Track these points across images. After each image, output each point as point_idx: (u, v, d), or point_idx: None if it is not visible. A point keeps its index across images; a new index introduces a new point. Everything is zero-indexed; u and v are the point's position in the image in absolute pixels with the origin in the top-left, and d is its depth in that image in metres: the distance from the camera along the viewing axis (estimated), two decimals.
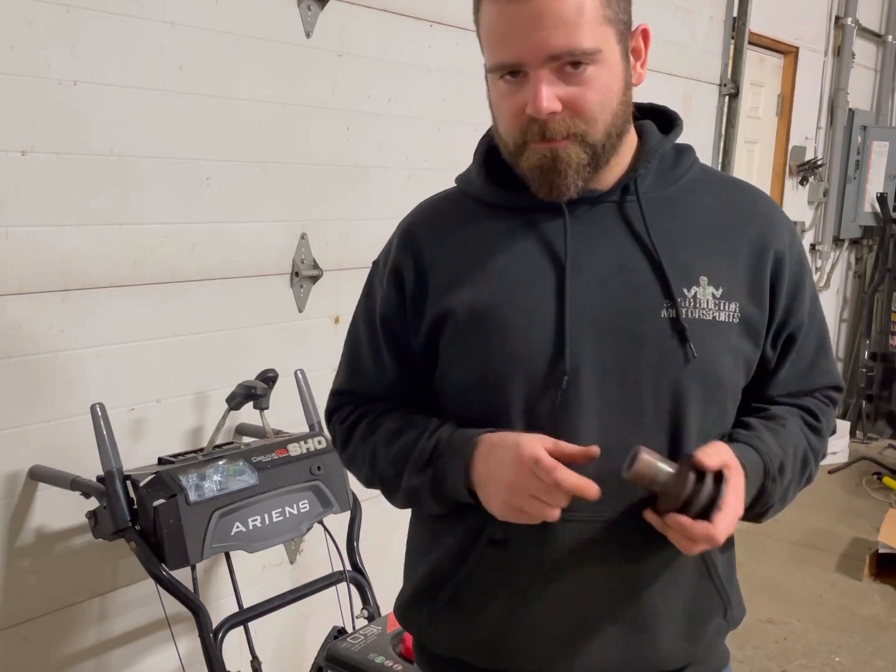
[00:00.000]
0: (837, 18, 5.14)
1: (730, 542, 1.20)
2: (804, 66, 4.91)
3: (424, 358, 1.20)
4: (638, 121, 1.18)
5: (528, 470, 1.03)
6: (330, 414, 1.35)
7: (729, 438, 1.15)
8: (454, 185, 1.26)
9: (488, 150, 1.20)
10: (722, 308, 1.12)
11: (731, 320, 1.12)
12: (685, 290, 1.11)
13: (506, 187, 1.17)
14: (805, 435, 1.21)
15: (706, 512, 1.02)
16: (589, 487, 1.02)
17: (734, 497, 1.05)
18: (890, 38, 5.74)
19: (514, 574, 1.14)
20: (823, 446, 1.25)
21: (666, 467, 1.04)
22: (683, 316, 1.10)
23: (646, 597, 1.14)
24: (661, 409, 1.11)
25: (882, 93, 5.84)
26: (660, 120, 1.21)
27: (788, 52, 4.86)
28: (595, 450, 1.05)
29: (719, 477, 1.04)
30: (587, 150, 1.07)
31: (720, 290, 1.12)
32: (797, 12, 4.81)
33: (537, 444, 1.05)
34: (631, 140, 1.15)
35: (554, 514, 1.04)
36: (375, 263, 1.27)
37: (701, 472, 1.04)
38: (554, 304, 1.10)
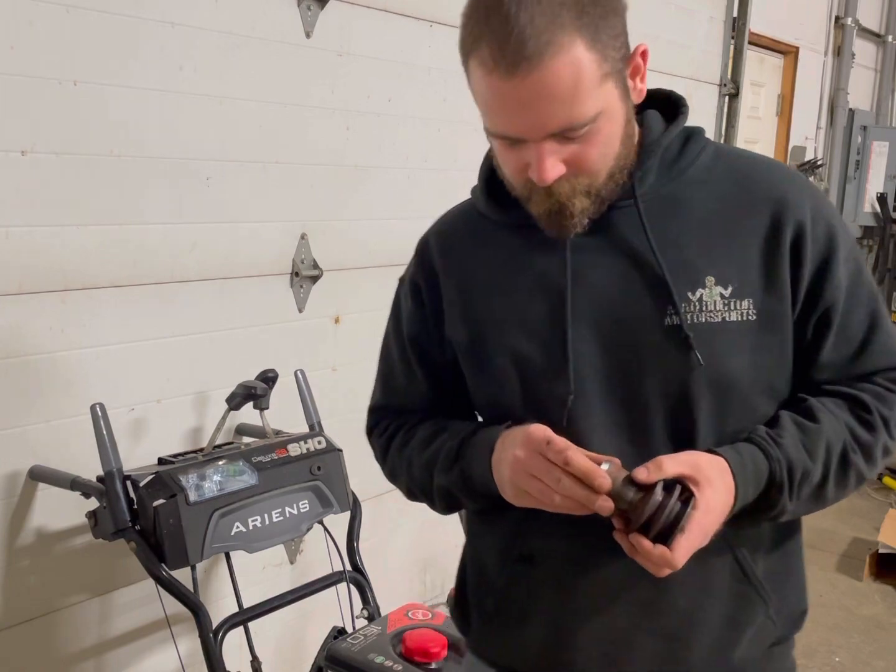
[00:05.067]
0: (837, 18, 5.14)
1: (780, 535, 1.14)
2: (804, 66, 4.92)
3: (454, 370, 1.21)
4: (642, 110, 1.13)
5: (533, 448, 1.03)
6: (370, 431, 1.35)
7: (746, 438, 1.07)
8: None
9: (490, 169, 1.20)
10: (733, 308, 1.07)
11: (744, 319, 1.07)
12: (689, 294, 1.07)
13: (507, 205, 1.16)
14: (850, 429, 1.09)
15: (669, 532, 0.97)
16: (597, 473, 0.98)
17: (703, 515, 0.99)
18: (890, 38, 5.74)
19: (544, 589, 1.14)
20: (880, 438, 1.10)
21: (631, 485, 0.99)
22: (688, 322, 1.06)
23: (677, 604, 1.10)
24: (671, 420, 1.08)
25: (882, 93, 5.84)
26: (666, 106, 1.15)
27: (788, 52, 4.86)
28: (606, 483, 1.00)
29: (689, 494, 0.98)
30: (592, 197, 1.06)
31: (729, 289, 1.07)
32: (797, 12, 4.81)
33: (549, 429, 1.04)
34: (633, 137, 1.10)
35: (556, 501, 1.01)
36: (401, 280, 1.29)
37: (670, 488, 0.98)
38: (557, 322, 1.09)
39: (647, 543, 0.98)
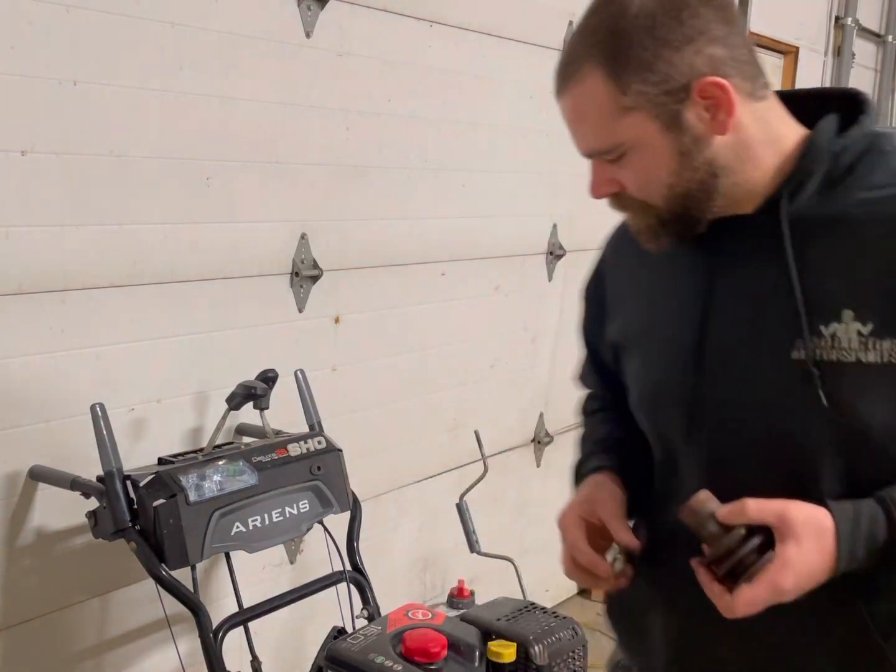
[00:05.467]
0: (837, 18, 5.14)
1: None
2: (804, 66, 4.91)
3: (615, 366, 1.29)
4: (823, 114, 1.08)
5: (575, 512, 1.17)
6: (580, 405, 1.48)
7: (875, 495, 0.99)
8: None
9: None
10: (871, 347, 0.98)
11: (883, 360, 0.98)
12: (822, 328, 1.00)
13: None
14: None
15: (738, 574, 0.94)
16: (598, 568, 1.10)
17: (777, 572, 0.94)
18: (890, 38, 5.73)
19: (649, 636, 1.19)
20: None
21: (716, 518, 0.97)
22: (818, 357, 1.00)
23: (785, 655, 1.06)
24: (780, 460, 1.04)
25: (882, 93, 5.83)
26: (851, 108, 1.08)
27: (788, 52, 4.85)
28: (635, 544, 1.10)
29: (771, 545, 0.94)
30: (655, 217, 1.08)
31: (868, 326, 0.98)
32: (797, 12, 4.81)
33: (573, 511, 1.17)
34: (778, 149, 1.06)
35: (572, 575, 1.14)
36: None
37: (753, 533, 0.95)
38: (691, 341, 1.10)
39: (708, 579, 0.98)
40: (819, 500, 0.99)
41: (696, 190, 1.05)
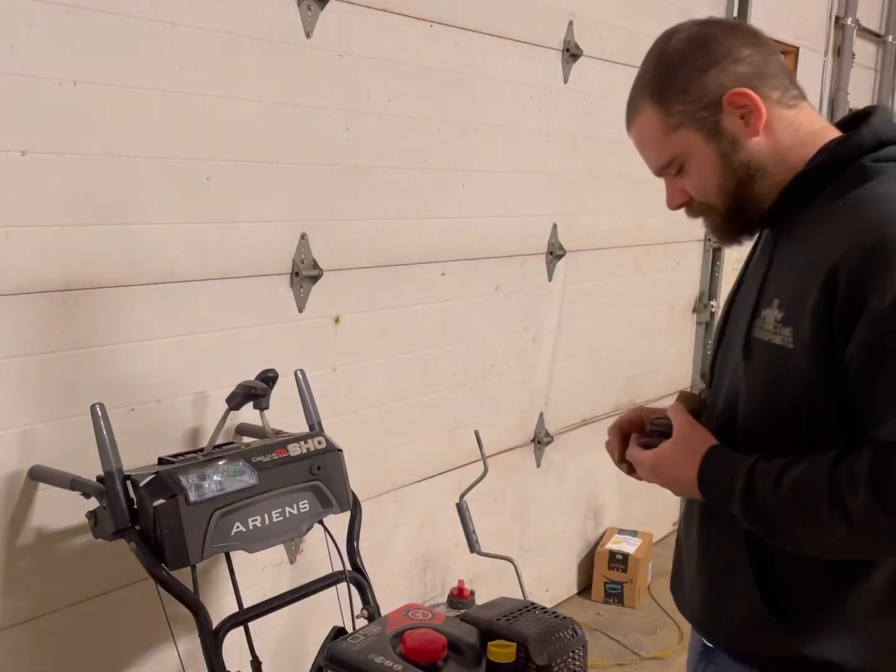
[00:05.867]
0: (837, 18, 5.14)
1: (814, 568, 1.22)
2: (804, 66, 4.91)
3: None
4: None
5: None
6: None
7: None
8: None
9: None
10: (778, 332, 1.20)
11: (785, 344, 1.19)
12: (762, 310, 1.25)
13: None
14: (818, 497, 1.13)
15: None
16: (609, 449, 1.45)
17: (655, 452, 1.31)
18: (890, 38, 5.73)
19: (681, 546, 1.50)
20: (837, 516, 1.11)
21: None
22: (753, 334, 1.25)
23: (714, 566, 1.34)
24: (727, 400, 1.31)
25: (882, 93, 5.83)
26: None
27: (788, 52, 4.85)
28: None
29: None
30: (718, 216, 1.31)
31: (781, 314, 1.20)
32: (797, 12, 4.81)
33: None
34: (805, 153, 1.25)
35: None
36: None
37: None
38: (725, 313, 1.41)
39: (635, 446, 1.37)
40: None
41: (741, 189, 1.26)
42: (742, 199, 1.27)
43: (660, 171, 1.32)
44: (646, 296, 3.90)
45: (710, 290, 4.31)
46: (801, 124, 1.27)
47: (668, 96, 1.27)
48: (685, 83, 1.26)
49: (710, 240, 4.19)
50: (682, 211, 1.36)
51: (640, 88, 1.31)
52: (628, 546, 3.70)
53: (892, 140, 1.22)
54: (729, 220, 1.30)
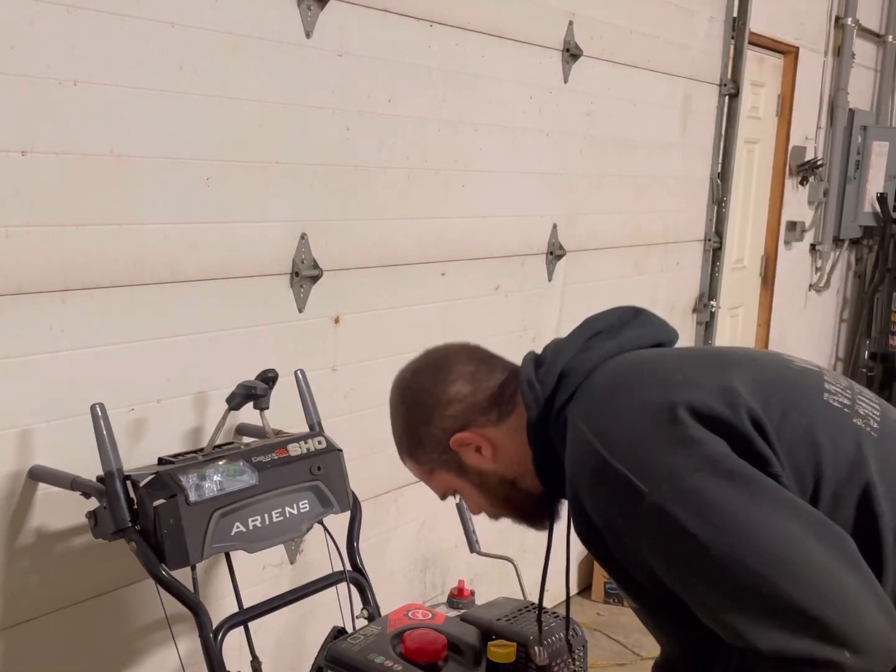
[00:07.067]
0: (837, 18, 5.14)
1: None
2: (804, 66, 4.91)
3: None
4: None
5: None
6: None
7: None
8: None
9: None
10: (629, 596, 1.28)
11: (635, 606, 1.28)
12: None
13: None
14: None
15: None
16: None
17: None
18: (890, 38, 5.74)
19: None
20: None
21: None
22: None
23: None
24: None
25: (882, 93, 5.84)
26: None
27: (788, 52, 4.85)
28: None
29: None
30: (514, 518, 1.46)
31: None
32: (797, 12, 4.81)
33: None
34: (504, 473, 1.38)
35: None
36: None
37: None
38: None
39: None
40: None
41: (512, 495, 1.37)
42: (519, 499, 1.37)
43: (444, 498, 1.48)
44: (646, 296, 3.90)
45: (710, 290, 4.31)
46: (522, 423, 1.32)
47: (415, 451, 1.41)
48: (420, 437, 1.39)
49: (709, 240, 4.19)
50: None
51: (397, 442, 1.45)
52: None
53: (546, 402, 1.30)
54: (525, 517, 1.41)
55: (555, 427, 1.27)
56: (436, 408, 1.36)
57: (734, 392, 1.11)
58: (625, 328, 1.33)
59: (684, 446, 1.06)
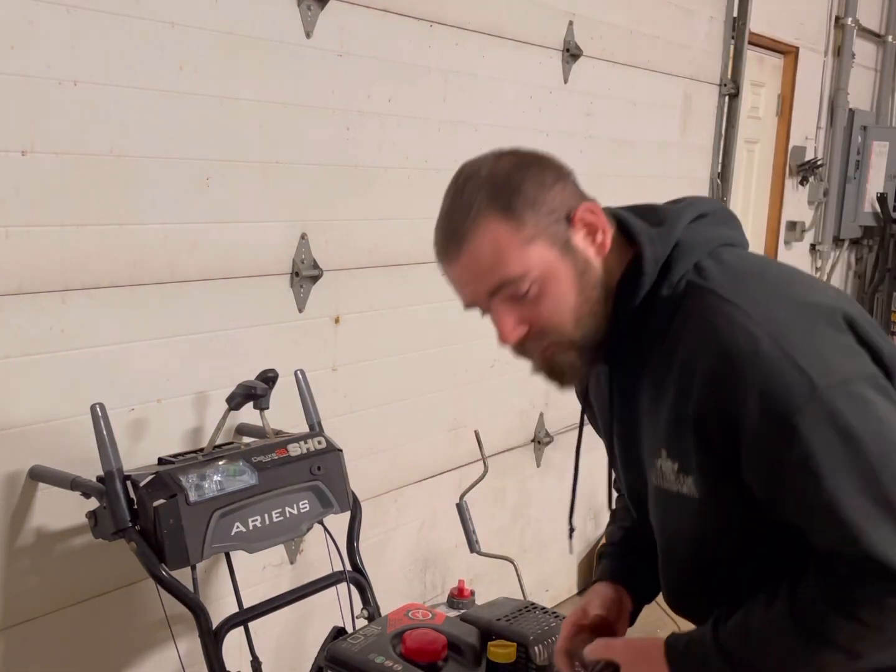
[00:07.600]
0: (837, 18, 5.14)
1: None
2: (804, 66, 4.91)
3: None
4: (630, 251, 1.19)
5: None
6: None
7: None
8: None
9: None
10: (682, 482, 1.15)
11: (690, 494, 1.14)
12: (655, 461, 1.18)
13: None
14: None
15: None
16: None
17: None
18: (890, 38, 5.74)
19: None
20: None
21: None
22: (657, 485, 1.20)
23: None
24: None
25: (882, 93, 5.84)
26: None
27: (788, 52, 4.86)
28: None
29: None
30: (573, 350, 1.16)
31: (675, 464, 1.15)
32: (797, 12, 4.81)
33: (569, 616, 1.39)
34: (598, 286, 1.17)
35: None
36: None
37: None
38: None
39: None
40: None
41: (595, 312, 1.16)
42: (596, 324, 1.16)
43: (491, 294, 1.15)
44: None
45: None
46: (618, 258, 1.18)
47: (516, 207, 1.12)
48: (534, 195, 1.13)
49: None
50: None
51: (468, 214, 1.13)
52: None
53: (675, 255, 1.17)
54: (582, 352, 1.17)
55: (668, 291, 1.15)
56: (560, 176, 1.17)
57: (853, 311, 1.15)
58: (729, 221, 1.25)
59: (853, 354, 1.09)
